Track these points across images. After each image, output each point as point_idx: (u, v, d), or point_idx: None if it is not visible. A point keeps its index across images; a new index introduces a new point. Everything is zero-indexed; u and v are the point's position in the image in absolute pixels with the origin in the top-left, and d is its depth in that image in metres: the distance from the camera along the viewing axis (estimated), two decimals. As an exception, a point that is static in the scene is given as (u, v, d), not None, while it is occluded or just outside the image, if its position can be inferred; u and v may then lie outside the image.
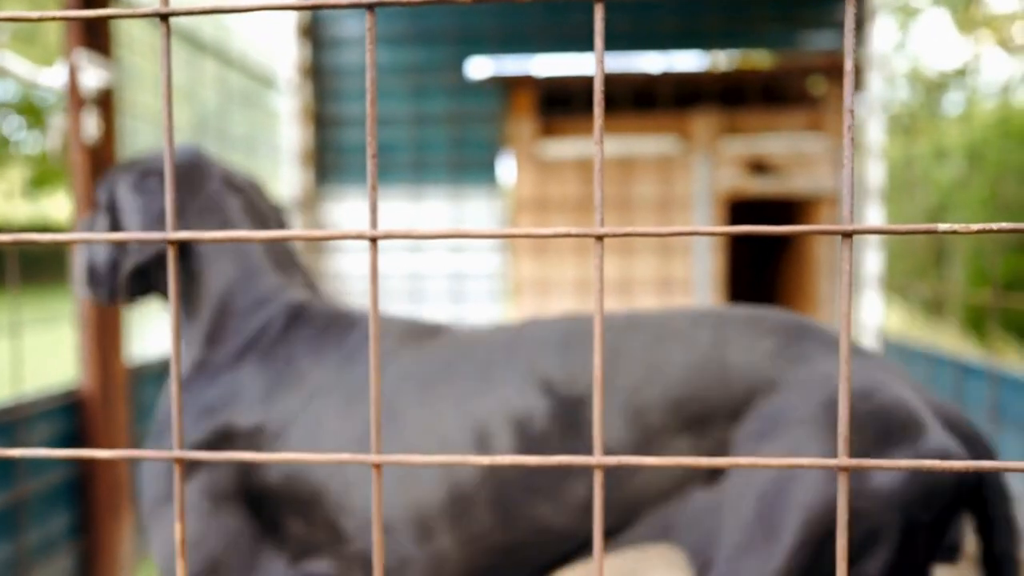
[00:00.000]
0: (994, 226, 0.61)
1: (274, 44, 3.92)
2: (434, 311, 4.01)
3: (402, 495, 1.19)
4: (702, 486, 1.19)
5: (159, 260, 1.35)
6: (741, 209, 4.59)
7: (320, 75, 4.03)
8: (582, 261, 3.80)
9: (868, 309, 3.71)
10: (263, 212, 1.45)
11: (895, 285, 6.02)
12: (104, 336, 2.09)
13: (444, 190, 3.99)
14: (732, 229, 0.64)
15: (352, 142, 4.05)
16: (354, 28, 4.00)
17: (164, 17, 0.60)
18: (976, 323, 4.87)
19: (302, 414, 1.20)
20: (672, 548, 1.13)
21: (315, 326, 1.27)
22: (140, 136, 2.98)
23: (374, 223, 0.69)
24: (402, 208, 4.02)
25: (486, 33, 3.92)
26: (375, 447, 0.56)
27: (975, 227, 0.61)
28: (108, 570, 2.12)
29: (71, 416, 2.07)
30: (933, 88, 11.65)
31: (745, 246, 5.16)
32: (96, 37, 2.00)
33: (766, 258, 4.93)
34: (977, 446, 1.20)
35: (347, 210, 4.07)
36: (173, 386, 0.59)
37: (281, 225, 1.49)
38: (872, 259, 3.72)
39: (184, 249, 1.34)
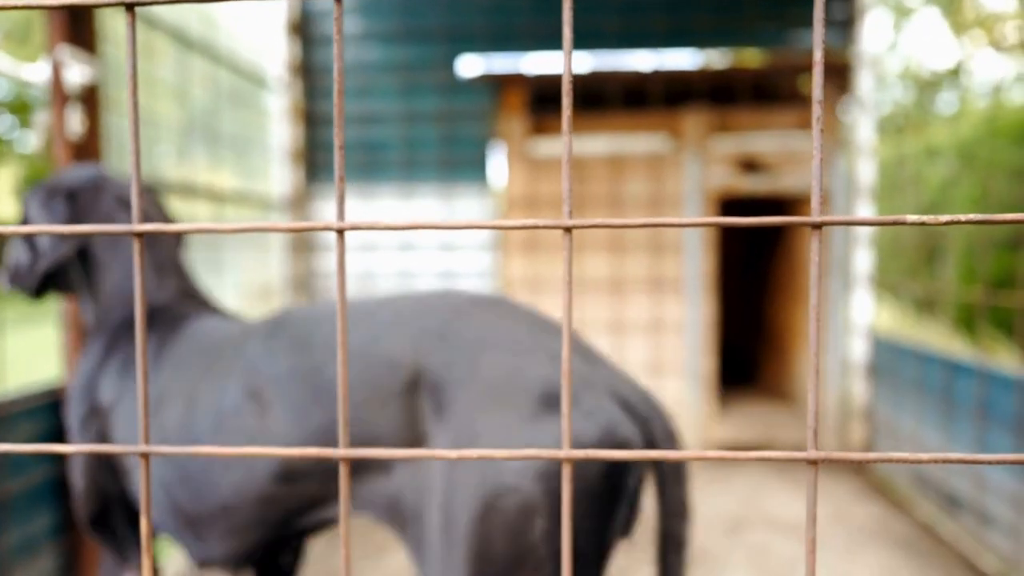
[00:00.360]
0: (962, 217, 0.61)
1: (264, 42, 3.90)
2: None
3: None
4: (386, 471, 1.31)
5: (63, 264, 1.65)
6: (732, 207, 4.59)
7: (310, 73, 4.02)
8: (574, 259, 3.79)
9: (859, 307, 3.72)
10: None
11: (888, 283, 6.03)
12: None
13: (435, 188, 3.98)
14: (702, 221, 0.64)
15: (343, 140, 4.04)
16: (345, 25, 3.99)
17: (130, 7, 0.60)
18: (967, 321, 4.88)
19: (126, 397, 1.51)
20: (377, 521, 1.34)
21: (156, 322, 1.57)
22: (125, 133, 2.96)
23: (341, 215, 0.69)
24: (393, 206, 4.01)
25: (477, 31, 3.92)
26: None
27: (943, 218, 0.61)
28: (90, 570, 2.11)
29: (53, 414, 2.05)
30: (927, 87, 11.67)
31: (737, 245, 5.17)
32: (80, 33, 1.99)
33: (758, 256, 4.93)
34: (652, 425, 1.28)
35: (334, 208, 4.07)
36: (139, 379, 0.59)
37: (171, 238, 1.71)
38: (862, 257, 3.73)
39: (85, 255, 1.65)
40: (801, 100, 3.96)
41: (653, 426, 1.30)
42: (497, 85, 3.86)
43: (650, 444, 1.29)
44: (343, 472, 0.60)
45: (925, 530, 2.83)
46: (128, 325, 1.59)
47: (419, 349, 1.28)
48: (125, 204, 1.63)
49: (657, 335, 3.81)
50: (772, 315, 4.53)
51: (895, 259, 6.03)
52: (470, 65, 3.92)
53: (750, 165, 3.73)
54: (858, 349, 3.70)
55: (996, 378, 2.49)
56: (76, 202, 1.60)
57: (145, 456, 0.59)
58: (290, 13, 3.94)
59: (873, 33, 3.71)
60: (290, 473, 1.36)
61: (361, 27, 3.98)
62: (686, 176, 3.75)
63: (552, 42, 3.91)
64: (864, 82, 3.68)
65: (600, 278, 3.81)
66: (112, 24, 2.39)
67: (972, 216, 0.59)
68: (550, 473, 1.19)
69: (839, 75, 3.71)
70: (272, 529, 1.42)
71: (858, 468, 3.64)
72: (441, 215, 3.96)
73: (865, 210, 3.66)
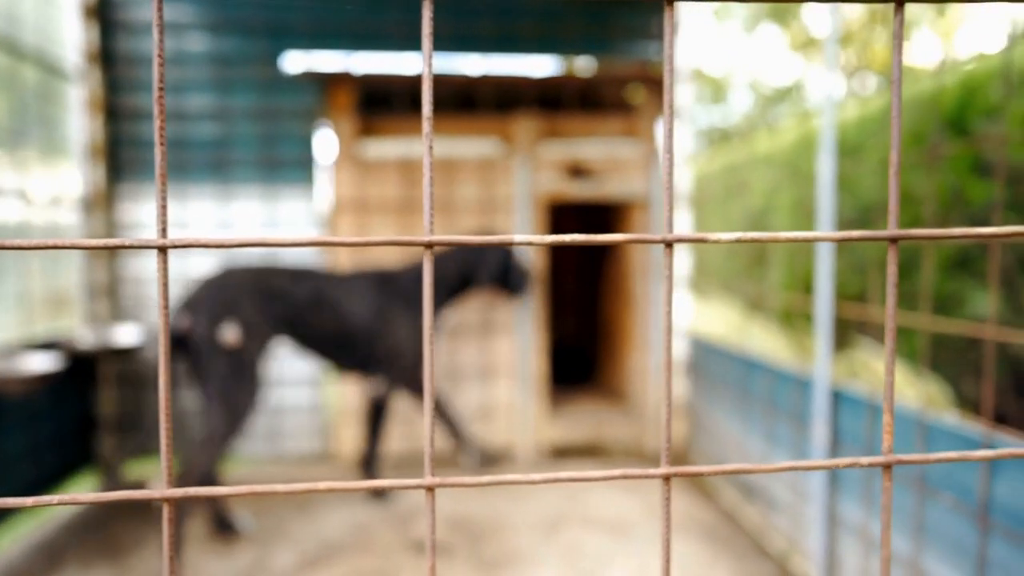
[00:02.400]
0: (746, 236, 0.65)
1: (60, 27, 3.45)
2: (248, 318, 3.74)
3: None
4: None
5: None
6: (561, 211, 4.74)
7: (110, 62, 3.62)
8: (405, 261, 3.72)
9: (679, 307, 3.98)
10: None
11: (725, 285, 6.53)
12: None
13: (256, 189, 3.74)
14: (557, 239, 0.62)
15: (152, 136, 3.68)
16: (149, 13, 3.64)
17: None
18: (789, 319, 5.40)
19: None
20: None
21: None
22: None
23: (163, 231, 0.60)
24: (210, 208, 3.71)
25: (301, 27, 3.73)
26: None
27: (730, 236, 0.64)
28: None
29: None
30: (766, 101, 12.84)
31: (568, 248, 5.35)
32: None
33: (591, 258, 5.12)
34: None
35: (149, 210, 3.70)
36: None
37: None
38: (682, 261, 3.99)
39: None
40: (627, 108, 4.17)
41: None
42: (323, 84, 3.70)
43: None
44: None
45: (727, 517, 3.07)
46: None
47: None
48: None
49: (487, 338, 3.84)
50: (607, 316, 4.72)
51: (731, 260, 6.54)
52: (294, 61, 3.72)
53: (578, 171, 3.86)
54: (678, 349, 3.95)
55: (781, 375, 2.76)
56: None
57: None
58: (84, -8, 3.52)
59: (688, 46, 3.99)
60: None
61: (174, 15, 3.64)
62: (516, 180, 3.82)
63: (379, 41, 3.81)
64: (681, 94, 3.94)
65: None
66: None
67: (758, 234, 0.63)
68: None
69: (657, 87, 3.94)
70: None
71: (674, 462, 3.89)
72: (263, 217, 3.72)
73: (683, 217, 3.93)
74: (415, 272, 3.11)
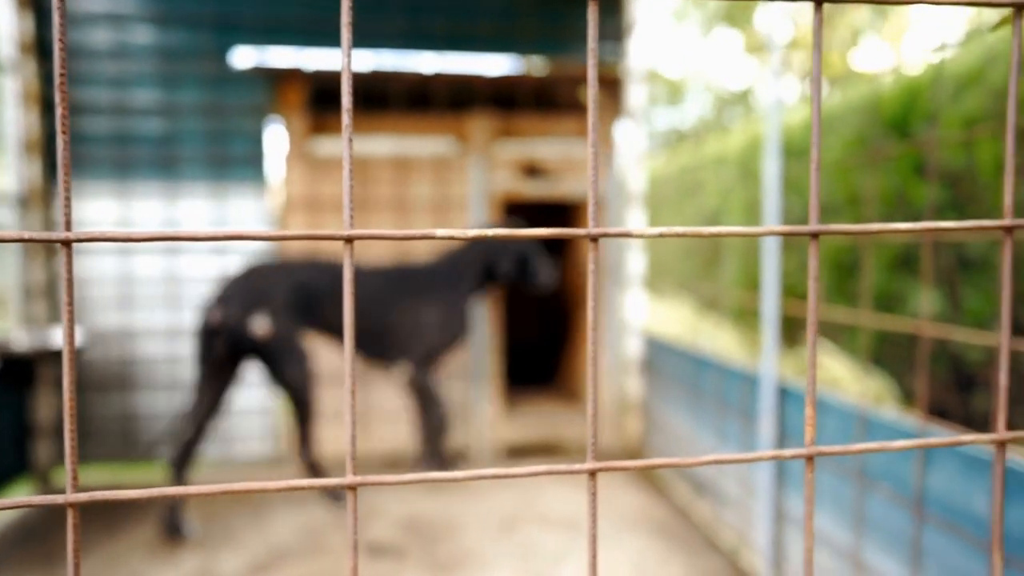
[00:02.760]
0: (669, 231, 0.65)
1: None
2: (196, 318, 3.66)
3: None
4: None
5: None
6: (516, 210, 4.74)
7: (48, 53, 3.50)
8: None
9: (633, 306, 4.01)
10: None
11: (680, 284, 6.60)
12: None
13: (205, 187, 3.66)
14: (479, 233, 0.62)
15: (94, 131, 3.57)
16: (99, 4, 3.53)
17: None
18: (742, 317, 5.48)
19: None
20: None
21: None
22: None
23: (67, 224, 0.57)
24: (156, 207, 3.62)
25: (251, 21, 3.66)
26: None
27: (662, 230, 0.64)
28: None
29: None
30: (722, 103, 13.02)
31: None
32: None
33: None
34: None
35: (92, 208, 3.59)
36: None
37: None
38: (635, 261, 4.02)
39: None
40: (581, 109, 4.19)
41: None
42: (273, 80, 3.64)
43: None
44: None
45: (679, 513, 3.11)
46: None
47: None
48: None
49: (446, 338, 3.82)
50: (567, 317, 4.74)
51: (686, 259, 6.61)
52: (243, 56, 3.65)
53: (532, 170, 3.87)
54: (633, 347, 3.98)
55: (731, 372, 2.80)
56: None
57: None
58: (21, -19, 3.40)
59: (640, 48, 4.02)
60: None
61: (116, 7, 3.54)
62: (471, 179, 3.81)
63: (331, 38, 3.76)
64: (634, 96, 3.97)
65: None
66: None
67: (703, 228, 0.63)
68: None
69: (612, 88, 3.97)
70: None
71: (629, 459, 3.93)
72: (212, 216, 3.64)
73: (637, 216, 3.96)
74: (443, 264, 3.23)
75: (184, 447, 2.80)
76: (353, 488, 0.63)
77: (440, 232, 0.63)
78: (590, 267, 0.64)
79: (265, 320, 2.81)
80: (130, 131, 3.59)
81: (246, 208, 3.67)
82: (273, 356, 2.84)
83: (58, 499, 0.58)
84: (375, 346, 3.14)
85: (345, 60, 0.60)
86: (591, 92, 0.63)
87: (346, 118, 0.61)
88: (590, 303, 0.65)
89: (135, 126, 3.60)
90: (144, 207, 3.61)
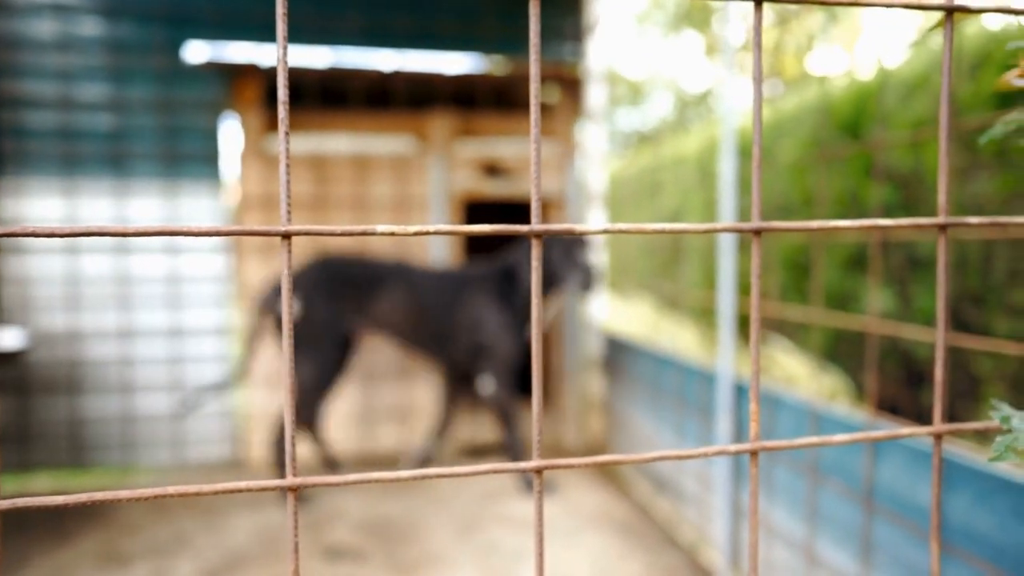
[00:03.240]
0: (612, 227, 0.65)
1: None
2: (149, 319, 3.58)
3: None
4: None
5: None
6: (477, 209, 4.73)
7: (-7, 44, 3.38)
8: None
9: (594, 305, 4.03)
10: None
11: (641, 283, 6.65)
12: None
13: (157, 185, 3.57)
14: (419, 229, 0.61)
15: (39, 125, 3.46)
16: (39, -7, 3.42)
17: None
18: (704, 318, 5.54)
19: None
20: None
21: None
22: None
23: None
24: (104, 205, 3.52)
25: (205, 15, 3.58)
26: None
27: (628, 226, 0.64)
28: None
29: None
30: (683, 105, 13.16)
31: (485, 245, 5.34)
32: None
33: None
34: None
35: (38, 206, 3.47)
36: None
37: None
38: (596, 260, 4.03)
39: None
40: (542, 108, 4.19)
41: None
42: (228, 75, 3.57)
43: None
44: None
45: (640, 511, 3.13)
46: None
47: None
48: None
49: (407, 338, 3.79)
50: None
51: (648, 259, 6.67)
52: (197, 51, 3.57)
53: (492, 169, 3.86)
54: (594, 346, 4.00)
55: (689, 370, 2.83)
56: None
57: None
58: (-38, -30, 3.28)
59: (600, 50, 4.04)
60: None
61: (60, -4, 3.43)
62: (431, 178, 3.78)
63: (289, 33, 3.71)
64: (594, 96, 3.99)
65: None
66: None
67: (631, 225, 0.63)
68: None
69: (572, 88, 3.98)
70: None
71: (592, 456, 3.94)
72: (165, 215, 3.56)
73: (597, 216, 3.98)
74: (506, 268, 3.27)
75: (313, 409, 3.16)
76: (294, 489, 0.61)
77: (381, 228, 0.62)
78: (534, 264, 0.64)
79: (297, 306, 3.11)
80: (77, 126, 3.49)
81: (200, 206, 3.60)
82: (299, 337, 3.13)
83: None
84: (445, 350, 3.28)
85: (280, 51, 0.58)
86: (533, 88, 0.63)
87: (282, 111, 0.59)
88: (535, 300, 0.65)
89: (82, 121, 3.49)
90: (93, 205, 3.51)
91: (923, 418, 3.42)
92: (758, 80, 0.67)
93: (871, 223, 0.70)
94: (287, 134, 0.58)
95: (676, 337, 5.25)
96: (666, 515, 3.03)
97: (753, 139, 0.66)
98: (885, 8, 0.70)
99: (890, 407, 3.56)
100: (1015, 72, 0.86)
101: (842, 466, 1.89)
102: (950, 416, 3.21)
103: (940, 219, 0.71)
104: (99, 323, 3.53)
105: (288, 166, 0.58)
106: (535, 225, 0.63)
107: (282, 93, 0.58)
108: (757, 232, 0.67)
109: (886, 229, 0.70)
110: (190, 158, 3.59)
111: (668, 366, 3.02)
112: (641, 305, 6.73)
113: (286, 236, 0.59)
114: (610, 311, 6.51)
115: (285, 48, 0.58)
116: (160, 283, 3.58)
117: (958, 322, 3.14)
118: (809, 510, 2.01)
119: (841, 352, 3.96)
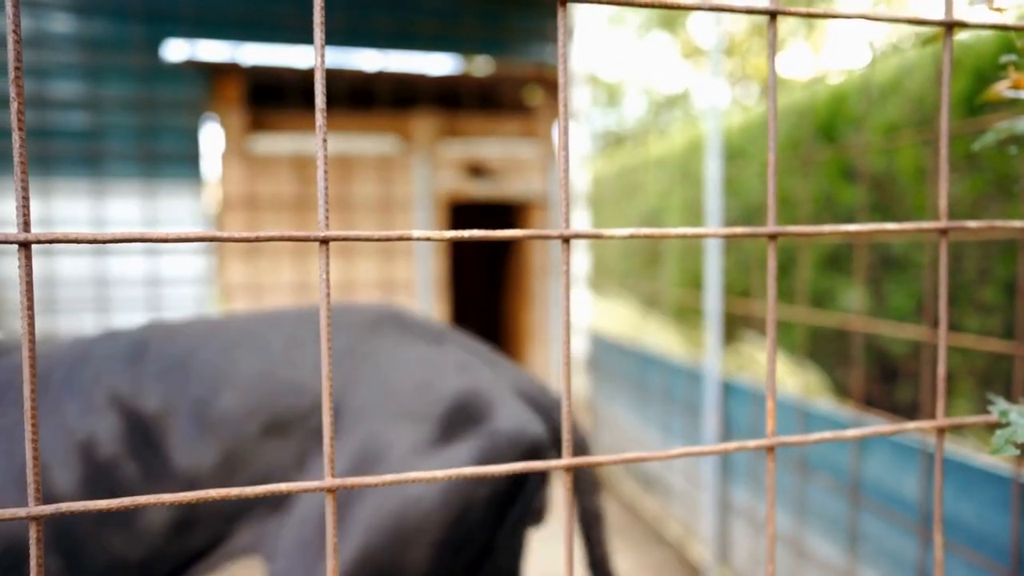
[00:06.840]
0: (640, 231, 0.67)
1: None
2: (128, 322, 3.53)
3: None
4: (289, 507, 1.22)
5: None
6: (461, 210, 4.74)
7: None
8: (299, 263, 3.62)
9: (577, 305, 4.06)
10: None
11: (622, 283, 6.69)
12: None
13: (136, 185, 3.53)
14: (455, 234, 0.62)
15: (7, 123, 3.40)
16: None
17: None
18: (682, 315, 5.60)
19: None
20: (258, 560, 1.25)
21: None
22: None
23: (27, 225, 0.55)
24: (81, 206, 3.47)
25: (185, 13, 3.54)
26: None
27: (623, 231, 0.66)
28: None
29: None
30: (658, 107, 13.25)
31: (472, 245, 5.35)
32: None
33: (494, 257, 5.15)
34: (554, 415, 1.40)
35: (10, 207, 3.41)
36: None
37: None
38: (580, 260, 4.07)
39: None
40: (524, 109, 4.21)
41: (555, 415, 1.38)
42: (209, 74, 3.53)
43: (555, 433, 1.37)
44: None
45: (628, 508, 3.17)
46: None
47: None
48: None
49: (390, 338, 3.79)
50: (508, 315, 4.76)
51: (628, 259, 6.71)
52: (177, 49, 3.53)
53: (477, 170, 3.87)
54: (579, 346, 4.03)
55: (675, 369, 2.88)
56: None
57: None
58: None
59: (581, 52, 4.07)
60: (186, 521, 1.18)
61: (35, -7, 3.38)
62: (416, 179, 3.78)
63: (270, 32, 3.68)
64: (576, 97, 4.02)
65: (332, 282, 3.68)
66: None
67: (585, 230, 0.65)
68: (452, 486, 1.18)
69: (553, 90, 4.01)
70: None
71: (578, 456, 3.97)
72: (144, 216, 3.52)
73: (580, 216, 4.01)
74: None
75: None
76: (332, 491, 0.62)
77: (416, 234, 0.63)
78: (562, 268, 0.65)
79: None
80: (51, 125, 3.43)
81: (180, 207, 3.56)
82: None
83: (20, 512, 0.56)
84: None
85: (318, 60, 0.59)
86: (561, 93, 0.65)
87: (320, 118, 0.60)
88: (564, 303, 0.66)
89: (56, 120, 3.44)
90: (69, 206, 3.46)
91: (897, 412, 3.50)
92: (773, 88, 0.69)
93: (878, 227, 0.72)
94: (325, 140, 0.59)
95: (657, 336, 5.31)
96: (654, 512, 3.07)
97: (768, 145, 0.69)
98: (888, 23, 0.73)
99: (866, 401, 3.64)
100: (1005, 83, 0.90)
101: (829, 460, 1.93)
102: (920, 410, 3.29)
103: (941, 223, 0.74)
104: (76, 326, 3.48)
105: (326, 171, 0.59)
106: (564, 229, 0.65)
107: (319, 100, 0.59)
108: (773, 236, 0.70)
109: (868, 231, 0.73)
110: (170, 158, 3.55)
111: (654, 365, 3.06)
112: (621, 305, 6.79)
113: (324, 241, 0.60)
114: (592, 311, 6.55)
115: (323, 56, 0.59)
116: (139, 285, 3.54)
117: (930, 319, 3.22)
118: (797, 504, 2.05)
119: (818, 349, 4.04)
